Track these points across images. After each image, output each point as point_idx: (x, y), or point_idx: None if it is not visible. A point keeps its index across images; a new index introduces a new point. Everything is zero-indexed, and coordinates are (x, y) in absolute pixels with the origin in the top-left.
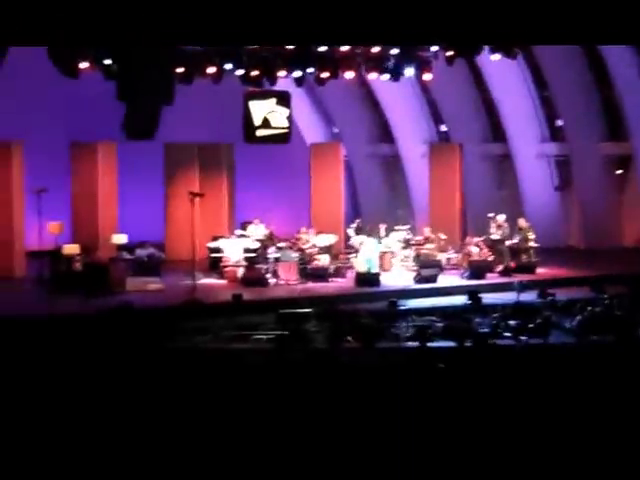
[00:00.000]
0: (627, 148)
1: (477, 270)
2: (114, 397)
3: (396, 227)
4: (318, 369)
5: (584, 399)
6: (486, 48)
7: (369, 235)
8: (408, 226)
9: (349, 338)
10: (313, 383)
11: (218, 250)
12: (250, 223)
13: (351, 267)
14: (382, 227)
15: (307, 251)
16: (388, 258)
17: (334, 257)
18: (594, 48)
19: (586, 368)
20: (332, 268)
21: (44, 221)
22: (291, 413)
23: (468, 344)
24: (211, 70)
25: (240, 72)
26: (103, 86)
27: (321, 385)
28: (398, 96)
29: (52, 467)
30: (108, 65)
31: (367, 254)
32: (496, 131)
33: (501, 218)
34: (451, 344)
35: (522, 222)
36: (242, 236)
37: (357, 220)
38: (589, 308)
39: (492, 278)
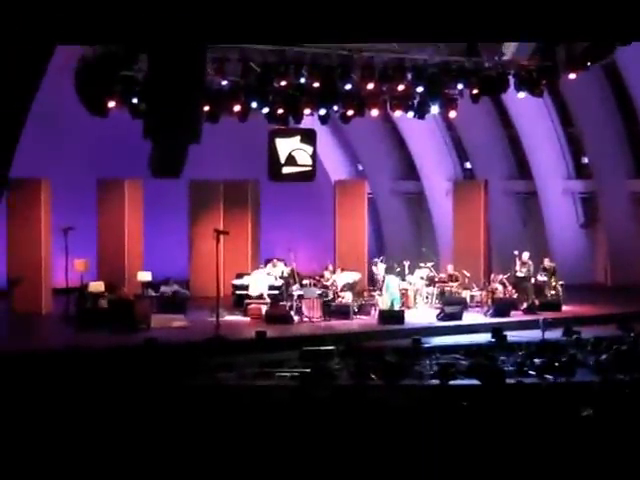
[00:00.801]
0: None
1: (502, 308)
2: (137, 432)
3: (420, 264)
4: (342, 407)
5: (610, 439)
6: (512, 86)
7: (389, 272)
8: (432, 263)
9: (373, 376)
10: (337, 421)
11: (242, 287)
12: (275, 260)
13: (375, 304)
14: (406, 264)
15: (331, 288)
16: (412, 295)
17: (358, 294)
18: (621, 84)
19: (612, 408)
20: (356, 305)
21: (71, 258)
22: (315, 450)
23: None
24: (237, 108)
25: (266, 110)
26: (130, 124)
27: (345, 423)
28: (423, 133)
29: None
30: (135, 103)
31: (391, 291)
32: (521, 168)
33: (526, 255)
34: (475, 382)
35: (547, 262)
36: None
37: (381, 257)
38: (615, 346)
39: (517, 316)
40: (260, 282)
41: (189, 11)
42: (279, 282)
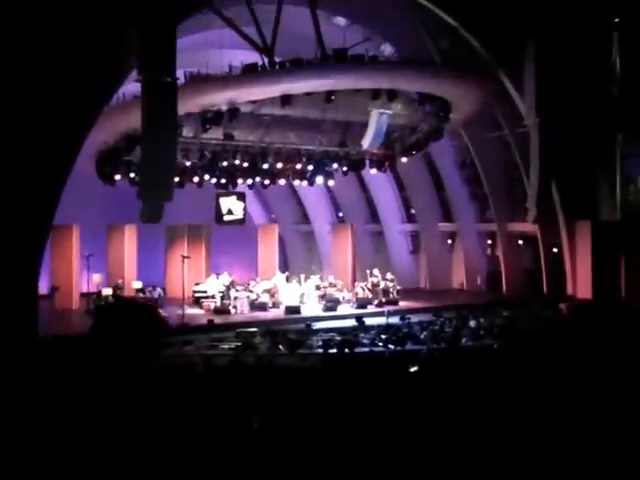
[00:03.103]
0: (454, 227)
1: (362, 303)
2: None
3: (311, 276)
4: (262, 368)
5: (430, 387)
6: (367, 165)
7: (289, 281)
8: (318, 275)
9: (281, 347)
10: (258, 377)
11: (200, 291)
12: (220, 274)
13: (282, 302)
14: (302, 276)
15: (254, 292)
16: (306, 296)
17: (271, 296)
18: (433, 165)
19: (430, 365)
20: (270, 303)
21: (91, 274)
22: (244, 397)
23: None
24: (196, 179)
25: (214, 180)
26: (128, 189)
27: (263, 379)
28: (313, 194)
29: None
30: (132, 177)
31: (288, 294)
32: (374, 216)
33: (376, 271)
34: (345, 351)
35: (389, 275)
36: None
37: (286, 272)
38: (431, 327)
39: (371, 308)
40: (214, 285)
41: None
42: (223, 288)
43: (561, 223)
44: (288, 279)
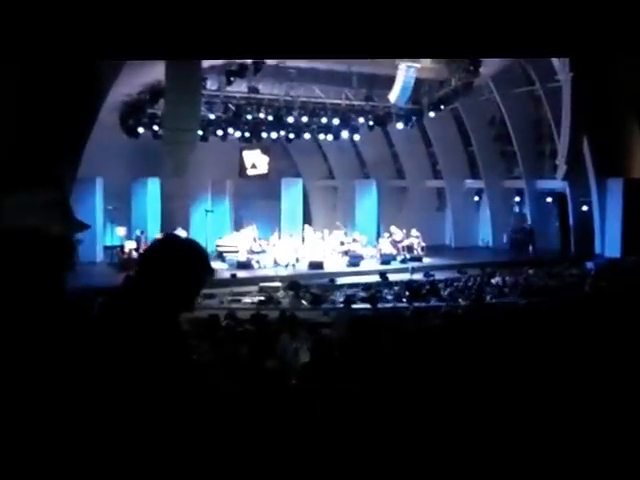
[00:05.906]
0: (480, 183)
1: (386, 259)
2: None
3: (335, 231)
4: (284, 322)
5: (452, 341)
6: (394, 120)
7: (312, 236)
8: (342, 231)
9: (304, 302)
10: (278, 330)
11: (224, 245)
12: (244, 228)
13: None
14: (326, 231)
15: (277, 246)
16: (329, 251)
17: (295, 250)
18: (460, 120)
19: (454, 321)
20: (293, 257)
21: (114, 227)
22: (264, 345)
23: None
24: (220, 133)
25: (238, 134)
26: (153, 143)
27: (283, 331)
28: (338, 149)
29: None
30: (156, 130)
31: (311, 249)
32: (399, 172)
33: (394, 228)
34: (367, 306)
35: (414, 231)
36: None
37: (310, 227)
38: (455, 284)
39: (395, 264)
40: (237, 239)
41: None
42: (246, 243)
43: (592, 180)
44: (312, 234)
